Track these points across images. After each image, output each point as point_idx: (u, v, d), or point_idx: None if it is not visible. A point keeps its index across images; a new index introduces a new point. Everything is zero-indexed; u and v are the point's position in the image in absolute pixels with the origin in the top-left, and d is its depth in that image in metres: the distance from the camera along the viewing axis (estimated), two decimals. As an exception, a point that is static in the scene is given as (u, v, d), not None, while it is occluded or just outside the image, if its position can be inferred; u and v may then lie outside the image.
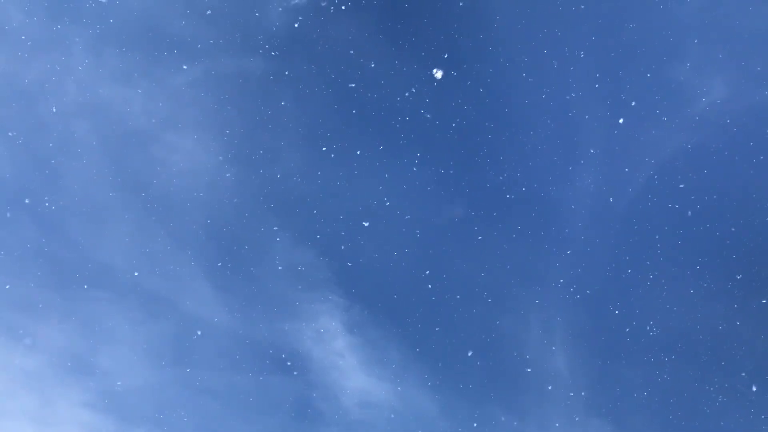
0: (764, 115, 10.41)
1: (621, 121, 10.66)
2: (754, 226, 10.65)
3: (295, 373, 11.31)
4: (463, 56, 10.76)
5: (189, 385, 11.25)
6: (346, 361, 11.36)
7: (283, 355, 11.26)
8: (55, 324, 10.92)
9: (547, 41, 10.60)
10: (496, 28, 10.64)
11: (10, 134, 10.38)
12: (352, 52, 10.73)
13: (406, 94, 10.84)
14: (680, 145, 10.69)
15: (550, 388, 11.26)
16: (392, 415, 11.37)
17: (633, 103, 10.63)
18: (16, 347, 10.81)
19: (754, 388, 10.72)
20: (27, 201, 10.56)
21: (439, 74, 9.77)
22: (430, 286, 11.22)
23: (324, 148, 10.93)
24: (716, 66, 10.38)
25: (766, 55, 10.24)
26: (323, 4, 10.54)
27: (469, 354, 11.28)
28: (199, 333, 11.05)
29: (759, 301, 10.74)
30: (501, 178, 11.06)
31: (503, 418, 11.27)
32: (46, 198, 10.60)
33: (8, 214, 10.54)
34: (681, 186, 10.74)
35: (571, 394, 11.24)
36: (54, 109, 10.32)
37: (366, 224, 10.93)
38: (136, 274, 10.91)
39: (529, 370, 11.28)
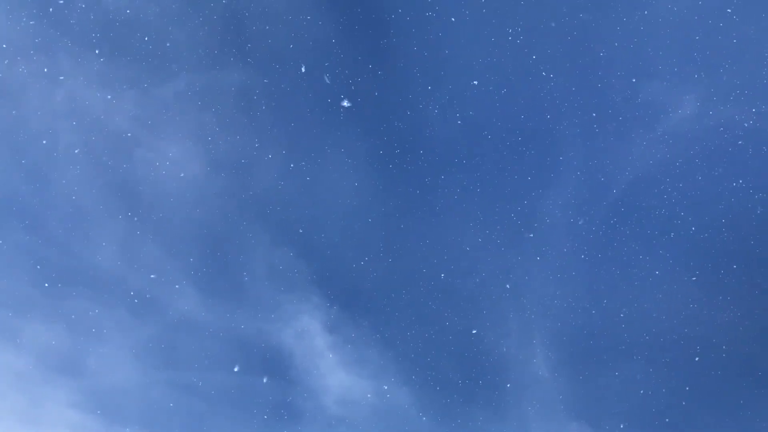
0: (733, 129, 10.67)
1: (596, 127, 10.91)
2: (727, 233, 10.87)
3: (277, 372, 11.49)
4: (447, 65, 10.99)
5: (174, 385, 11.40)
6: (326, 360, 11.51)
7: (265, 355, 11.44)
8: (43, 325, 11.08)
9: (527, 58, 10.82)
10: (478, 42, 10.87)
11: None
12: (331, 57, 10.96)
13: (387, 98, 11.08)
14: (654, 156, 10.93)
15: (530, 389, 11.40)
16: (372, 413, 11.52)
17: (608, 118, 10.88)
18: (4, 347, 10.98)
19: (737, 395, 10.89)
20: (15, 203, 10.78)
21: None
22: (409, 287, 11.41)
23: (304, 152, 11.17)
24: (688, 82, 10.63)
25: (734, 72, 10.52)
26: (302, 14, 10.76)
27: (448, 353, 11.43)
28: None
29: (739, 308, 10.93)
30: (483, 184, 11.26)
31: (482, 417, 11.40)
32: (34, 200, 10.84)
33: (-4, 217, 10.79)
34: (655, 196, 10.98)
35: (551, 396, 11.37)
36: (41, 114, 10.52)
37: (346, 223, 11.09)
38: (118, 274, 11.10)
39: (509, 371, 11.42)
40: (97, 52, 10.60)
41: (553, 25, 10.70)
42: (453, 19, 10.77)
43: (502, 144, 11.12)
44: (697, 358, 10.99)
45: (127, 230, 11.07)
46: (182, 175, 11.02)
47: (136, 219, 11.02)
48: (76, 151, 10.77)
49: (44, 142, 10.71)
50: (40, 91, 10.57)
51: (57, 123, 10.68)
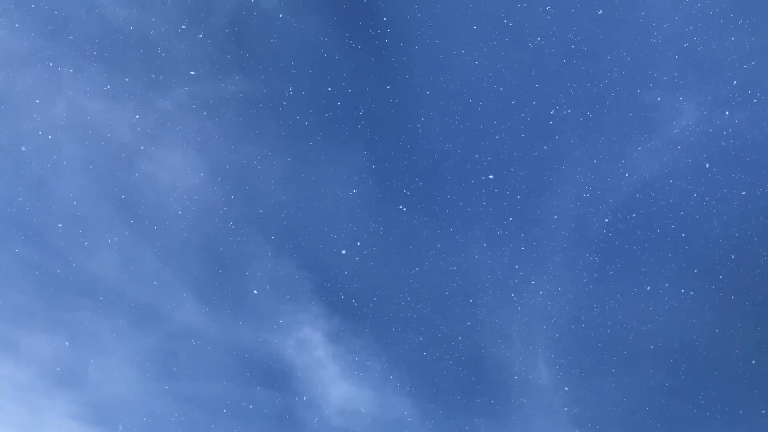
0: (736, 136, 10.69)
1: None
2: (730, 239, 10.87)
3: (278, 382, 11.49)
4: (448, 70, 11.00)
5: (175, 395, 11.40)
6: (327, 370, 11.52)
7: (267, 365, 11.45)
8: (44, 335, 11.10)
9: (529, 63, 10.86)
10: (480, 47, 10.88)
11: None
12: (332, 65, 11.00)
13: (389, 107, 11.10)
14: (656, 162, 10.97)
15: (532, 398, 11.38)
16: (373, 423, 11.52)
17: (611, 125, 10.93)
18: (4, 358, 10.99)
19: (742, 401, 10.87)
20: (16, 214, 10.80)
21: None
22: (410, 296, 11.41)
23: (305, 162, 11.18)
24: (690, 89, 10.68)
25: (734, 80, 10.55)
26: (303, 24, 10.82)
27: (450, 362, 11.43)
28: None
29: (738, 314, 10.92)
30: (485, 190, 11.26)
31: (484, 426, 11.38)
32: (35, 211, 10.86)
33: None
34: (657, 202, 10.99)
35: (554, 404, 11.36)
36: (42, 123, 10.56)
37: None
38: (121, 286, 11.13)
39: (511, 379, 11.42)
40: (98, 63, 10.66)
41: (555, 30, 10.74)
42: (454, 25, 10.81)
43: (504, 149, 11.15)
44: (701, 365, 10.98)
45: (128, 241, 11.10)
46: (184, 185, 11.05)
47: (137, 229, 11.06)
48: (78, 161, 10.82)
49: (45, 152, 10.75)
50: (41, 101, 10.61)
51: (58, 134, 10.72)
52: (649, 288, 11.10)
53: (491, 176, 11.18)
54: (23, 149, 10.64)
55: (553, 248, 11.29)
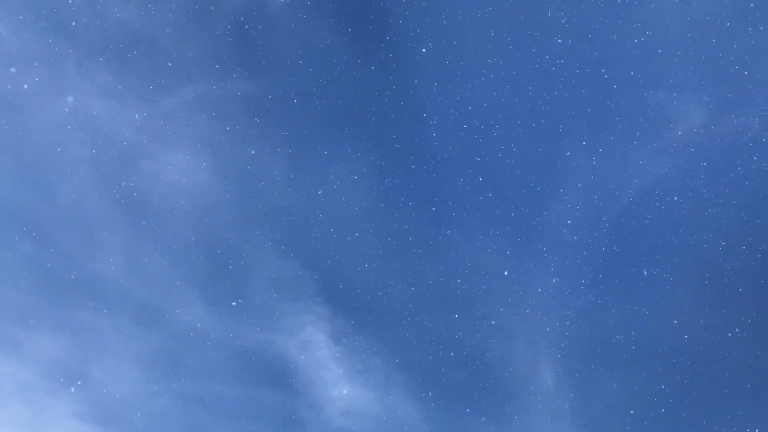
0: (741, 139, 10.71)
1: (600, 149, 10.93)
2: (734, 244, 10.88)
3: (281, 383, 11.49)
4: (450, 73, 11.02)
5: (178, 395, 11.39)
6: (330, 371, 11.51)
7: (269, 366, 11.44)
8: (46, 334, 11.08)
9: (532, 67, 10.88)
10: (483, 52, 10.91)
11: (2, 147, 10.65)
12: (336, 65, 11.02)
13: (393, 107, 11.12)
14: (661, 167, 10.97)
15: (536, 399, 11.38)
16: (377, 424, 11.50)
17: (615, 128, 10.94)
18: (6, 357, 10.98)
19: (746, 407, 10.85)
20: (20, 213, 10.81)
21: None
22: (413, 297, 11.42)
23: (309, 161, 11.21)
24: (695, 92, 10.68)
25: (742, 81, 10.55)
26: (308, 24, 10.85)
27: (453, 363, 11.43)
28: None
29: (744, 316, 10.93)
30: (489, 195, 11.28)
31: (487, 428, 11.38)
32: (39, 210, 10.86)
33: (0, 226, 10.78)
34: (662, 206, 11.00)
35: (558, 407, 11.35)
36: (47, 124, 10.59)
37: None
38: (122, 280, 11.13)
39: (514, 381, 11.41)
40: (103, 62, 10.68)
41: (559, 33, 10.75)
42: (459, 26, 10.84)
43: (507, 153, 11.17)
44: (703, 367, 10.98)
45: (132, 240, 11.11)
46: (188, 185, 11.07)
47: (141, 228, 11.06)
48: (81, 160, 10.83)
49: (50, 152, 10.74)
50: (46, 101, 10.61)
51: (63, 133, 10.72)
52: (654, 293, 11.12)
53: (493, 180, 11.20)
54: (27, 148, 10.66)
55: (557, 250, 11.31)
